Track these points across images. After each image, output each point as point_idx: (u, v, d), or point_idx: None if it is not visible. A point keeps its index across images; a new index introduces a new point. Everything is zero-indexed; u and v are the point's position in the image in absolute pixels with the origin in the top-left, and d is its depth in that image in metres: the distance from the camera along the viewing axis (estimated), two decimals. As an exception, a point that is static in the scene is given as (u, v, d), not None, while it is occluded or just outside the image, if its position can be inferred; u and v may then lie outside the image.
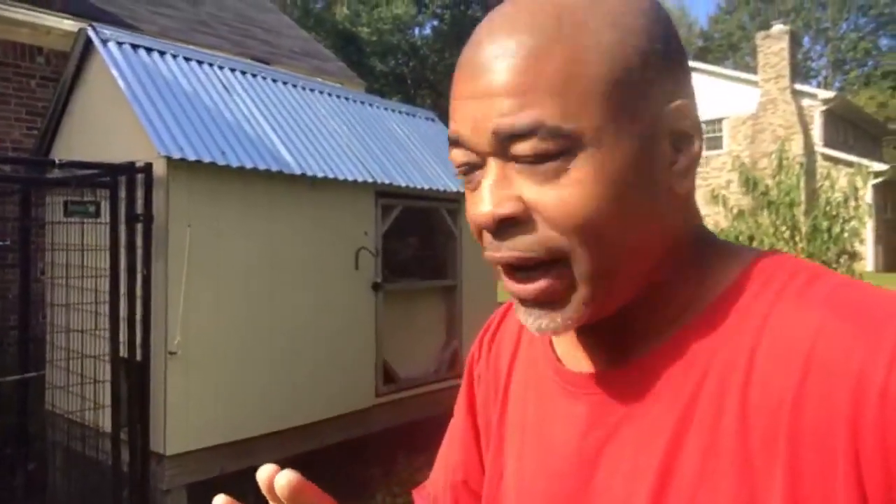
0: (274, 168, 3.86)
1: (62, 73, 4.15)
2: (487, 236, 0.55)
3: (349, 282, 4.36)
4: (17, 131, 6.38)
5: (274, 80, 4.71)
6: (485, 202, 0.52)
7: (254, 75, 4.57)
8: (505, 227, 0.52)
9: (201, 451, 3.51)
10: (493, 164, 0.53)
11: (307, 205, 4.13)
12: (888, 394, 0.43)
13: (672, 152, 0.53)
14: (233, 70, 4.45)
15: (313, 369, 4.09)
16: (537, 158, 0.50)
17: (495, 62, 0.51)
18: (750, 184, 7.25)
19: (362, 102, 5.39)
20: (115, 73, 3.62)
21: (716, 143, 21.54)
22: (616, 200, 0.51)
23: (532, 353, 0.68)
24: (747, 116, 20.45)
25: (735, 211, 7.33)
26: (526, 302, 0.55)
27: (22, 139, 6.32)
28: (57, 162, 3.06)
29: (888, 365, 0.44)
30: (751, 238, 6.71)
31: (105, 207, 3.39)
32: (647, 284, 0.56)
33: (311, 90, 4.97)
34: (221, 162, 3.59)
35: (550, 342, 0.65)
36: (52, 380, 3.99)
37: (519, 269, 0.54)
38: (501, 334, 0.75)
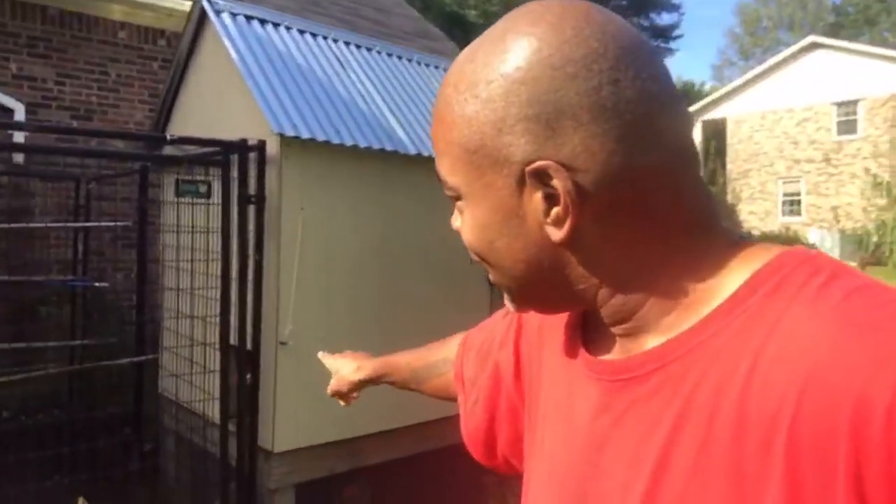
0: (388, 147, 3.59)
1: (182, 52, 4.05)
2: None
3: (467, 271, 4.05)
4: (141, 113, 6.49)
5: (389, 55, 4.45)
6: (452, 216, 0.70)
7: (368, 49, 4.33)
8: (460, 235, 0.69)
9: (310, 449, 3.31)
10: None
11: (423, 187, 3.83)
12: (894, 413, 0.43)
13: (546, 205, 0.57)
14: (347, 44, 4.21)
15: (427, 363, 3.82)
16: (453, 198, 0.65)
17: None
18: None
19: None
20: (227, 44, 3.45)
21: (849, 128, 19.78)
22: (484, 239, 0.63)
23: (567, 336, 0.73)
24: (887, 97, 18.68)
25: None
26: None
27: (144, 121, 6.41)
28: (168, 138, 2.90)
29: (895, 383, 0.43)
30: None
31: (216, 187, 3.22)
32: (602, 292, 0.61)
33: (427, 65, 4.68)
34: (335, 141, 3.35)
35: (581, 328, 0.70)
36: (163, 364, 3.92)
37: None
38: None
